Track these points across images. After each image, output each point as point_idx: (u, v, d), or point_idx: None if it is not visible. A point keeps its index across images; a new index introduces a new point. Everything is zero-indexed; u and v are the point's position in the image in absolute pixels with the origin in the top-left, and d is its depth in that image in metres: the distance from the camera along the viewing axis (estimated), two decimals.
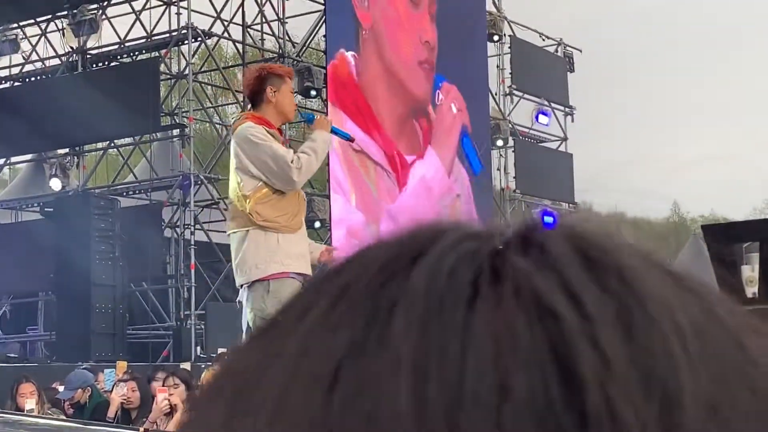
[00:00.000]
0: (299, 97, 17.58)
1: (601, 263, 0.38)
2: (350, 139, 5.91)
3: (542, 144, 20.76)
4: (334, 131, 5.45)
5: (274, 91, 5.14)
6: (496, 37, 19.04)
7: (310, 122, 5.44)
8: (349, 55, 14.76)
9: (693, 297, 0.38)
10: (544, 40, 20.81)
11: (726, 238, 3.39)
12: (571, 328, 0.35)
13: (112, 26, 16.63)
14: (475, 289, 0.36)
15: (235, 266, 5.07)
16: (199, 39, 15.30)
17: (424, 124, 15.66)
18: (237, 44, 17.27)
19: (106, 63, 15.95)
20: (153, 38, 16.31)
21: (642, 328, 0.36)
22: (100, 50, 15.97)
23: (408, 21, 15.73)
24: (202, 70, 20.03)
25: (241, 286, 5.02)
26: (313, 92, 15.41)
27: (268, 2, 17.21)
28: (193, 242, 14.18)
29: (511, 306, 0.36)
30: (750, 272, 3.36)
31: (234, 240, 5.11)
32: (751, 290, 3.37)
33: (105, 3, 15.68)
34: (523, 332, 0.35)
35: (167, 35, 15.80)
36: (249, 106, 5.46)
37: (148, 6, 16.58)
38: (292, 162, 5.00)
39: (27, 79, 17.07)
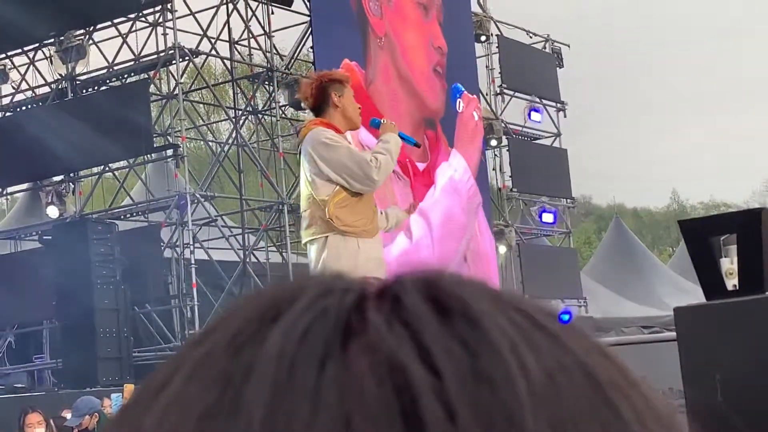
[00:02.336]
0: (291, 109, 17.65)
1: (453, 312, 0.38)
2: (417, 145, 5.85)
3: (536, 141, 20.77)
4: (400, 136, 5.41)
5: (339, 96, 5.15)
6: (483, 38, 19.06)
7: (377, 127, 5.45)
8: (353, 64, 14.74)
9: (548, 339, 0.39)
10: (531, 37, 20.84)
11: (703, 232, 3.40)
12: (419, 383, 0.36)
13: (100, 51, 16.64)
14: (327, 349, 0.37)
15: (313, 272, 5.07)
16: (187, 58, 15.30)
17: (430, 134, 15.63)
18: (225, 61, 17.28)
19: (96, 88, 15.95)
20: (141, 60, 16.32)
21: (490, 376, 0.36)
22: (89, 75, 15.97)
23: (420, 28, 15.79)
24: (192, 88, 20.04)
25: None
26: (304, 104, 15.41)
27: (253, 17, 17.23)
28: (193, 261, 14.17)
29: (361, 364, 0.36)
30: (729, 265, 3.37)
31: (312, 248, 5.10)
32: (731, 282, 3.38)
33: (91, 28, 15.68)
34: (371, 390, 0.36)
35: (155, 56, 15.81)
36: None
37: (134, 29, 16.60)
38: (370, 161, 5.01)
39: (18, 109, 17.07)
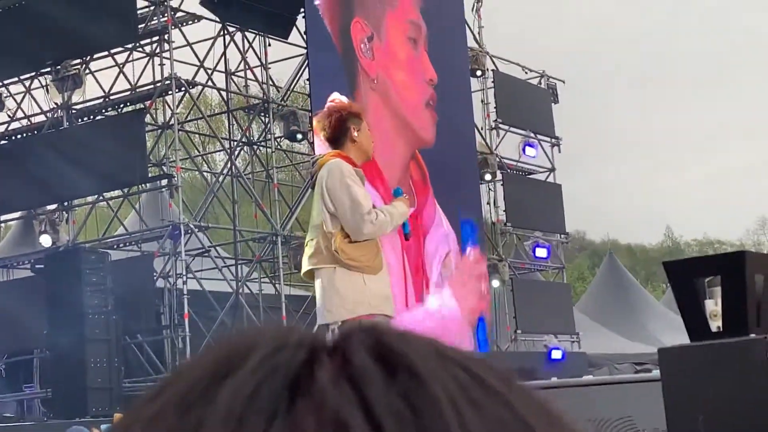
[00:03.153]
0: (286, 141, 17.68)
1: (398, 370, 0.39)
2: (406, 237, 5.90)
3: (530, 176, 20.82)
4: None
5: (357, 131, 5.21)
6: (479, 72, 19.15)
7: (398, 195, 5.54)
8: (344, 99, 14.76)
9: (490, 397, 0.40)
10: (526, 73, 20.93)
11: (688, 274, 3.42)
12: None
13: (96, 80, 16.71)
14: (275, 407, 0.38)
15: (320, 305, 5.09)
16: (183, 89, 15.35)
17: (417, 179, 15.47)
18: (221, 92, 17.34)
19: (92, 117, 16.00)
20: (137, 90, 16.37)
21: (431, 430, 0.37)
22: (85, 105, 16.01)
23: (411, 63, 15.79)
24: (188, 119, 20.10)
25: (327, 326, 5.02)
26: (299, 136, 15.46)
27: (250, 49, 17.31)
28: (185, 291, 14.15)
29: (308, 423, 0.37)
30: (713, 306, 3.39)
31: (318, 278, 5.12)
32: (716, 324, 3.40)
33: (88, 58, 15.74)
34: None
35: (151, 86, 15.86)
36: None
37: (131, 59, 16.67)
38: (368, 213, 5.04)
39: (13, 137, 17.09)
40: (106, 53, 16.50)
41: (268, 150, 17.07)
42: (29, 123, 17.46)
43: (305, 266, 5.21)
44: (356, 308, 4.95)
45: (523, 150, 19.89)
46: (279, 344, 0.41)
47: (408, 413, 0.37)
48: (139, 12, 15.06)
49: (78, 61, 15.26)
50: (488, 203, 19.31)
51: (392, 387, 0.38)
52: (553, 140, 20.90)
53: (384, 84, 15.27)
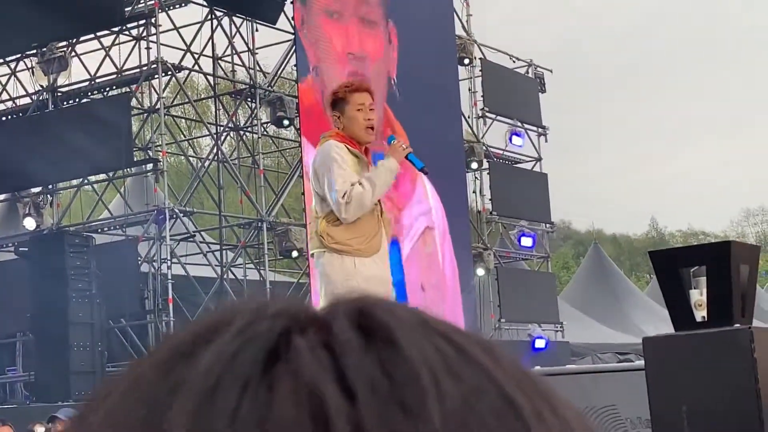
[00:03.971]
0: (273, 127, 17.64)
1: (378, 339, 0.40)
2: (424, 171, 5.37)
3: (517, 165, 20.83)
4: (408, 158, 5.13)
5: (339, 117, 5.07)
6: (466, 61, 19.13)
7: (390, 143, 5.24)
8: (317, 79, 14.68)
9: (471, 367, 0.40)
10: (514, 62, 20.93)
11: (673, 263, 3.43)
12: (334, 408, 0.37)
13: (82, 63, 16.61)
14: (252, 371, 0.39)
15: (318, 291, 5.04)
16: (170, 73, 15.29)
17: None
18: (208, 76, 17.27)
19: (77, 100, 15.92)
20: (123, 74, 16.30)
21: (406, 402, 0.37)
22: (71, 87, 15.93)
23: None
24: (174, 103, 20.03)
25: None
26: (286, 122, 15.43)
27: (237, 34, 17.25)
28: (170, 276, 14.12)
29: (283, 388, 0.38)
30: (698, 296, 3.40)
31: (315, 261, 5.07)
32: (700, 314, 3.41)
33: (74, 40, 15.66)
34: (289, 414, 0.37)
35: (137, 70, 15.79)
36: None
37: (117, 42, 16.58)
38: (343, 196, 4.85)
39: None
40: (92, 36, 16.41)
41: (255, 136, 17.04)
42: (14, 105, 17.37)
43: (310, 250, 5.19)
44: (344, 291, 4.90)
45: (510, 139, 19.90)
46: (261, 313, 0.41)
47: (384, 382, 0.38)
48: None
49: (64, 43, 15.19)
50: (474, 192, 19.34)
51: (370, 355, 0.38)
52: (540, 130, 20.92)
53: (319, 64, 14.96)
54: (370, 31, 15.66)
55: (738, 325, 3.45)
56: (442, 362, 0.39)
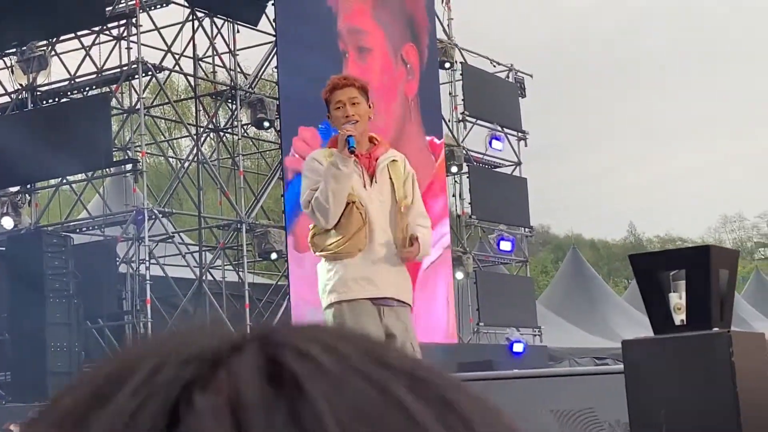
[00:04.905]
0: (253, 128, 17.62)
1: (285, 388, 0.38)
2: (351, 151, 4.88)
3: (496, 169, 20.87)
4: (348, 141, 4.86)
5: (328, 117, 5.10)
6: (447, 64, 19.17)
7: (350, 146, 4.89)
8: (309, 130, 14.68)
9: (391, 409, 0.37)
10: (495, 66, 20.98)
11: (653, 267, 3.45)
12: None
13: (62, 62, 16.53)
14: None
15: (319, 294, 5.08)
16: (150, 73, 15.25)
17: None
18: (189, 77, 17.23)
19: (57, 99, 15.84)
20: (103, 73, 16.22)
21: None
22: (50, 87, 15.86)
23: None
24: (154, 104, 19.97)
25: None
26: (266, 123, 15.40)
27: (219, 35, 17.22)
28: (148, 277, 14.07)
29: None
30: (677, 300, 3.41)
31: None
32: (679, 317, 3.43)
33: (54, 39, 15.59)
34: None
35: (118, 70, 15.72)
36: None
37: (97, 41, 16.51)
38: (307, 206, 4.90)
39: None
40: (72, 35, 16.33)
41: (235, 137, 17.00)
42: None
43: None
44: (328, 296, 4.92)
45: (490, 143, 19.93)
46: (162, 361, 0.39)
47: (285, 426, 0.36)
48: None
49: (44, 42, 15.12)
50: (454, 195, 19.36)
51: (277, 413, 0.36)
52: (520, 134, 20.97)
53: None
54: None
55: (717, 329, 3.47)
56: (356, 413, 0.36)
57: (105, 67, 16.38)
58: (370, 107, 5.05)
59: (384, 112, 15.79)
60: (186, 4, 16.09)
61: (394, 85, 16.46)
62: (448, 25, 19.71)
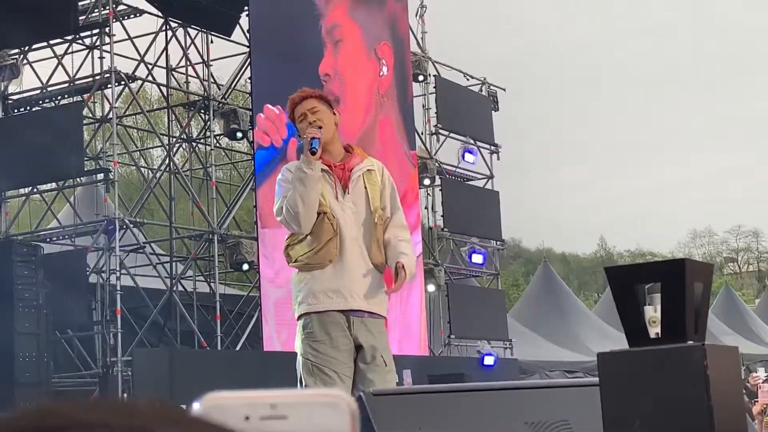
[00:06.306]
0: (225, 139, 17.58)
1: None
2: (312, 152, 4.79)
3: (469, 182, 20.93)
4: (311, 143, 4.82)
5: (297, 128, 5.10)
6: (421, 77, 19.23)
7: (313, 148, 4.85)
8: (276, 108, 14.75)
9: None
10: (468, 79, 21.06)
11: (629, 279, 3.45)
12: None
13: (34, 71, 16.46)
14: None
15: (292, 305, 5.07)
16: (123, 83, 15.20)
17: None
18: (162, 87, 17.19)
19: (29, 108, 15.76)
20: (76, 83, 16.15)
21: None
22: (22, 95, 15.78)
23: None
24: (127, 113, 19.90)
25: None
26: (239, 134, 15.38)
27: (192, 45, 17.19)
28: (119, 287, 14.00)
29: None
30: (652, 313, 3.42)
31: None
32: (654, 330, 3.44)
33: (26, 48, 15.51)
34: None
35: (90, 79, 15.66)
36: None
37: (70, 50, 16.44)
38: (279, 215, 4.92)
39: None
40: (44, 44, 16.27)
41: (207, 147, 16.97)
42: None
43: None
44: (298, 308, 4.90)
45: (463, 156, 20.00)
46: None
47: None
48: (80, 3, 14.89)
49: (16, 51, 15.04)
50: (426, 208, 19.39)
51: None
52: (492, 147, 21.05)
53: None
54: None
55: (691, 341, 3.49)
56: None
57: (77, 77, 16.31)
58: (335, 114, 5.02)
59: (352, 102, 15.87)
60: (159, 14, 16.06)
61: (366, 76, 16.56)
62: (422, 38, 19.77)
